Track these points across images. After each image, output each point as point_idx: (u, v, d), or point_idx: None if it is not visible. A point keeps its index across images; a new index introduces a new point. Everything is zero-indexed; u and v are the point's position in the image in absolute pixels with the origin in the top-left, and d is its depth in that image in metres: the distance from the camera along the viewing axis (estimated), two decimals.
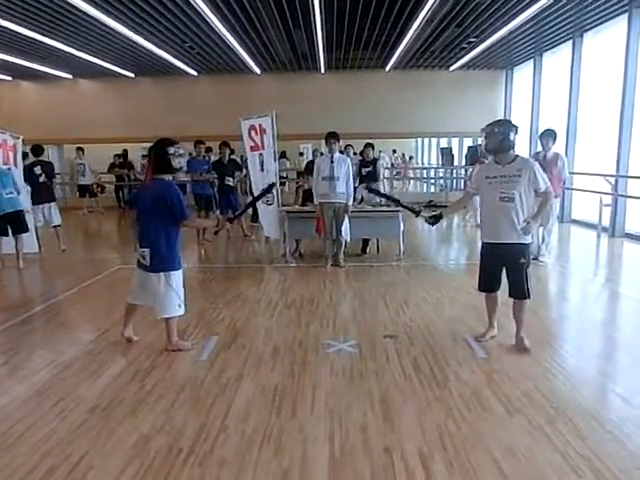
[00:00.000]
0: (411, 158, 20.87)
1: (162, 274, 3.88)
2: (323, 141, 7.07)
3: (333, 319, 4.80)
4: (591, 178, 9.94)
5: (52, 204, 8.42)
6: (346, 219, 6.95)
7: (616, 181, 9.09)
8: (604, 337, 4.47)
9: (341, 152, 7.55)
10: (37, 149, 8.50)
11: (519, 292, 3.90)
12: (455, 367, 3.66)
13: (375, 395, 3.25)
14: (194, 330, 4.53)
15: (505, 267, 3.96)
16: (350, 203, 6.92)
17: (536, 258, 7.00)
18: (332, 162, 6.76)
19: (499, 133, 3.80)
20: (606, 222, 9.20)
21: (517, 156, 3.90)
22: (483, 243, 4.07)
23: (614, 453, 2.58)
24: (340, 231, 6.93)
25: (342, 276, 6.58)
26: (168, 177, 3.92)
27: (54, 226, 8.47)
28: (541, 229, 7.19)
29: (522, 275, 3.87)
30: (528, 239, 3.90)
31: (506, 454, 2.57)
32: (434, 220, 4.32)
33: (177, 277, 3.96)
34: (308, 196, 7.66)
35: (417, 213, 4.45)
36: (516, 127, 3.91)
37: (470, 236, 9.97)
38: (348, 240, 7.30)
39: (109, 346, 4.17)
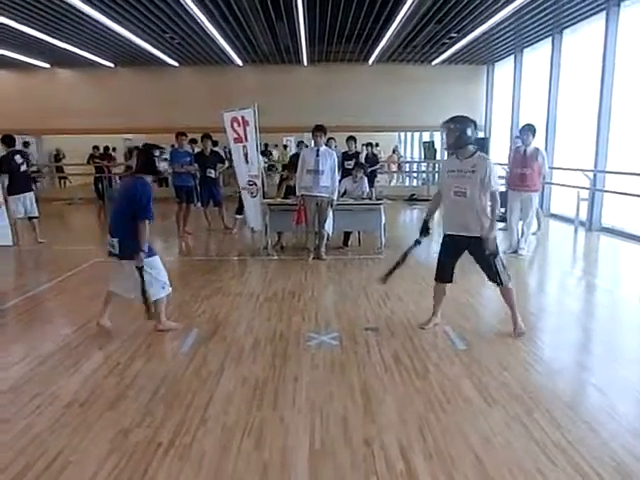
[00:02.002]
0: (395, 151, 20.86)
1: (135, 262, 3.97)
2: (305, 134, 7.04)
3: (314, 311, 4.80)
4: (569, 173, 10.10)
5: (31, 194, 8.24)
6: (330, 213, 6.93)
7: (594, 176, 9.25)
8: (580, 329, 4.56)
9: (327, 145, 7.52)
10: (9, 139, 8.14)
11: (493, 279, 4.03)
12: (435, 359, 3.69)
13: (356, 387, 3.26)
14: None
15: (473, 258, 4.06)
16: (335, 197, 6.90)
17: (516, 251, 7.11)
18: (317, 156, 6.72)
19: (455, 129, 3.85)
20: (583, 216, 9.36)
21: (475, 152, 3.93)
22: (444, 234, 4.16)
23: (588, 442, 2.64)
24: (323, 224, 6.92)
25: (324, 269, 6.58)
26: (149, 178, 4.08)
27: (30, 218, 8.28)
28: (520, 223, 7.29)
29: (491, 265, 3.96)
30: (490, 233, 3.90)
31: (484, 444, 2.61)
32: (425, 232, 4.23)
33: (153, 263, 4.07)
34: (291, 191, 7.68)
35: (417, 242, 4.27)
36: (474, 122, 3.95)
37: None
38: (331, 234, 7.30)
39: (87, 340, 4.10)
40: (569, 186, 9.86)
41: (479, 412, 2.95)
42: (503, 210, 7.33)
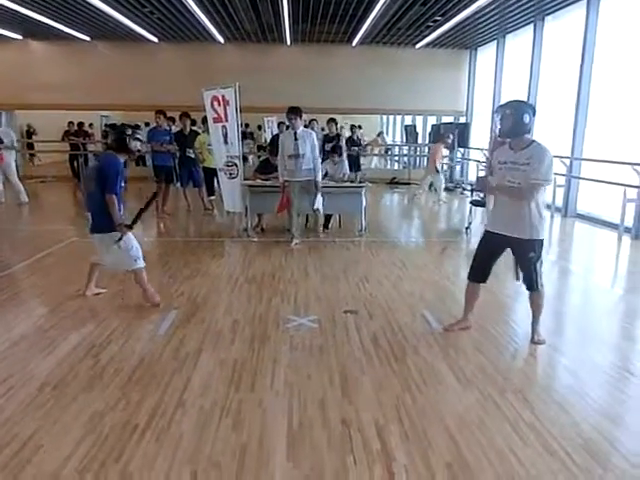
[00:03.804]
0: (380, 134, 20.74)
1: (106, 235, 4.19)
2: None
3: (294, 294, 4.80)
4: None
5: None
6: (319, 193, 6.76)
7: (570, 163, 9.38)
8: (553, 312, 4.65)
9: (305, 126, 7.41)
10: None
11: (527, 283, 3.71)
12: (413, 342, 3.74)
13: (334, 369, 3.28)
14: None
15: (514, 258, 3.78)
16: (319, 178, 6.71)
17: None
18: (296, 139, 6.44)
19: (510, 115, 3.40)
20: (559, 202, 9.53)
21: (533, 142, 3.46)
22: (485, 231, 3.79)
23: (559, 422, 2.71)
24: (313, 204, 6.74)
25: (304, 251, 6.57)
26: (123, 156, 4.25)
27: None
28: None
29: (530, 268, 3.62)
30: (539, 235, 3.56)
31: (459, 425, 2.66)
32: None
33: (123, 238, 4.20)
34: (265, 165, 7.62)
35: None
36: (533, 108, 3.51)
37: (432, 214, 10.14)
38: (321, 212, 7.12)
39: (62, 320, 4.04)
40: None
41: (454, 393, 3.00)
42: (482, 195, 7.40)
